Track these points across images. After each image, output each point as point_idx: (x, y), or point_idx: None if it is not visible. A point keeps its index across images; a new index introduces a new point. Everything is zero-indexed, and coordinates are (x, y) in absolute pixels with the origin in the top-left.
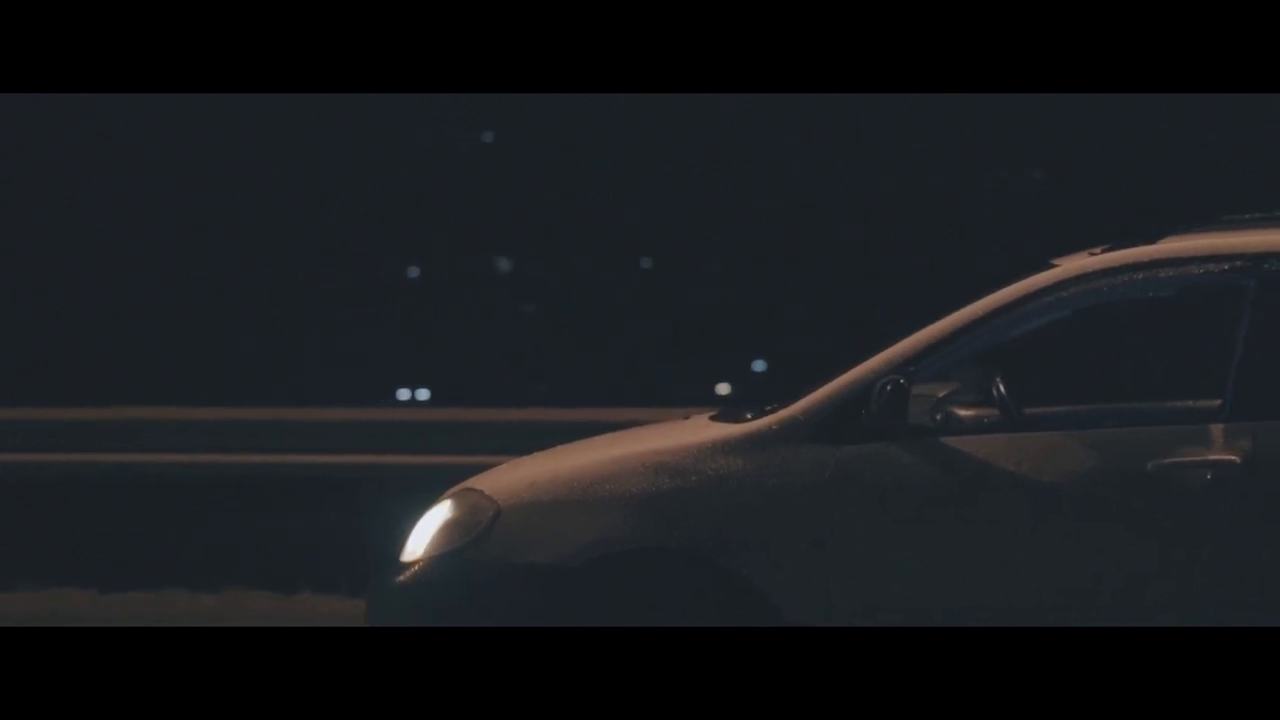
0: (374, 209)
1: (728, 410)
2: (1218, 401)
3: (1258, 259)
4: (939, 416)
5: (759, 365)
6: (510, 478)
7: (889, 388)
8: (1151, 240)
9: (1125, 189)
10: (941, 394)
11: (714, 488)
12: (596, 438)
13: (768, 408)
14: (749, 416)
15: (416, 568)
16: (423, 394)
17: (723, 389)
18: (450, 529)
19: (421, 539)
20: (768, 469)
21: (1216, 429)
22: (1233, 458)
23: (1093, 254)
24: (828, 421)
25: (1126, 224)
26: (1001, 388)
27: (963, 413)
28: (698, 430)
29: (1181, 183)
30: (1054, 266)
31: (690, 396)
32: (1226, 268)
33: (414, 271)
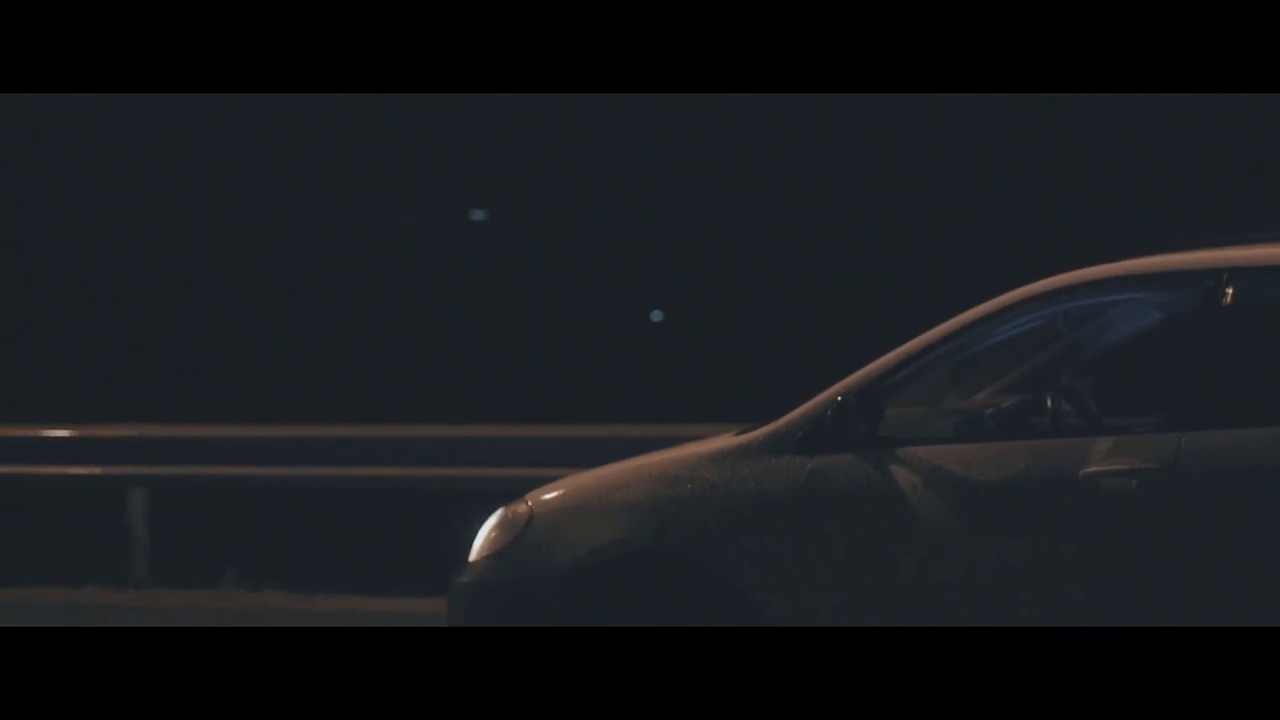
0: (377, 209)
1: (754, 426)
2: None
3: (1196, 276)
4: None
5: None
6: (553, 487)
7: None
8: (1121, 258)
9: (1125, 189)
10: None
11: (704, 495)
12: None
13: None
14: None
15: (472, 567)
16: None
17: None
18: (496, 533)
19: (479, 542)
20: (750, 478)
21: (1150, 439)
22: (1158, 466)
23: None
24: (804, 434)
25: (1127, 225)
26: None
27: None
28: (708, 443)
29: (1181, 183)
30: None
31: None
32: (1174, 285)
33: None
